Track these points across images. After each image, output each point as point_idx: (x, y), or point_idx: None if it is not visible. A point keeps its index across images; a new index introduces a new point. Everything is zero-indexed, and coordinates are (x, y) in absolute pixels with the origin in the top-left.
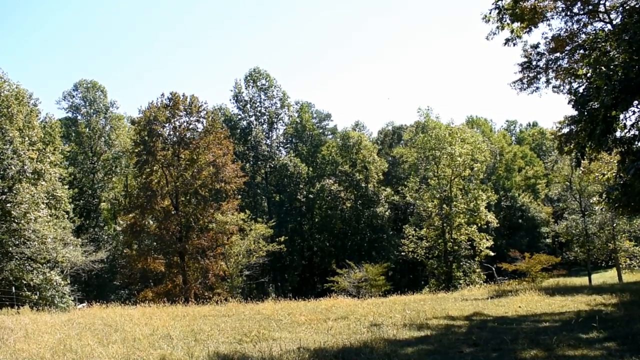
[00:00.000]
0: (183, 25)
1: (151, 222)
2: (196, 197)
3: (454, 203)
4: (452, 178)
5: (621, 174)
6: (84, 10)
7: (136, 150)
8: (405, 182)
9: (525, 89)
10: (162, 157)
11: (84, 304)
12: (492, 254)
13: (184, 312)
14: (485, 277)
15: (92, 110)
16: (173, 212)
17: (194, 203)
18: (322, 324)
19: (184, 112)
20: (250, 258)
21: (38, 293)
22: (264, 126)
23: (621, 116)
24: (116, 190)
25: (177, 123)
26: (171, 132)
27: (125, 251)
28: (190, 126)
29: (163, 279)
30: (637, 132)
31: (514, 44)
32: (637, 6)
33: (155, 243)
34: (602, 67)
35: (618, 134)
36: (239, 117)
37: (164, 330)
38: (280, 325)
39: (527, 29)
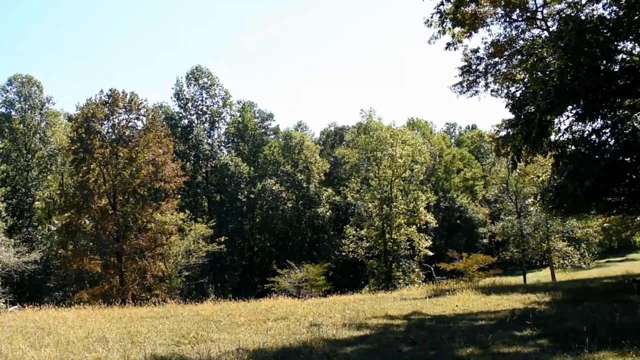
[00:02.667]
0: (125, 23)
1: (87, 222)
2: (135, 196)
3: (394, 204)
4: (393, 179)
5: (555, 177)
6: (21, 4)
7: (73, 148)
8: (347, 183)
9: (465, 92)
10: (100, 155)
11: (16, 307)
12: (431, 253)
13: (120, 314)
14: (424, 276)
15: (27, 106)
16: (110, 212)
17: (133, 202)
18: (262, 324)
19: (124, 110)
20: (189, 258)
21: None
22: (206, 125)
23: (556, 120)
24: (51, 189)
25: (116, 120)
26: (110, 130)
27: (60, 252)
28: (130, 124)
29: (99, 280)
30: (570, 136)
31: (455, 48)
32: (572, 14)
33: (91, 243)
34: (539, 73)
35: (553, 137)
36: (180, 115)
37: (99, 333)
38: (219, 326)
39: (468, 34)
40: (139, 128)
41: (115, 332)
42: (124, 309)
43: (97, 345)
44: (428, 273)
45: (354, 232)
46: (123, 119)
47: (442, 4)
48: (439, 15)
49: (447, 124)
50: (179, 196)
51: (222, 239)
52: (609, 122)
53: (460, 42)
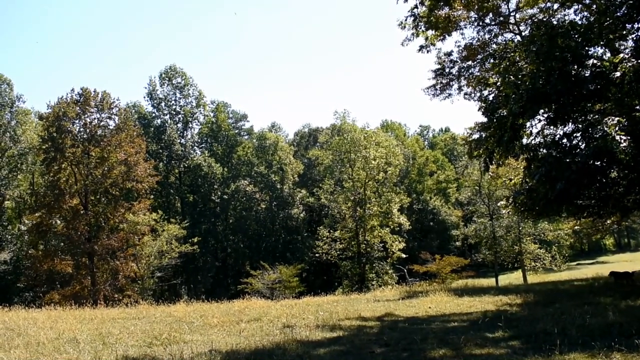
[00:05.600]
0: (97, 20)
1: (58, 222)
2: (106, 196)
3: (368, 205)
4: (366, 181)
5: (527, 180)
6: None
7: (44, 147)
8: (321, 184)
9: (438, 95)
10: (71, 155)
11: None
12: (404, 255)
13: (92, 315)
14: (397, 278)
15: None
16: (82, 212)
17: (104, 202)
18: (235, 326)
19: (95, 109)
20: (162, 259)
21: None
22: (179, 125)
23: (527, 124)
24: (21, 188)
25: (88, 119)
26: (81, 129)
27: (30, 252)
28: (102, 123)
29: (70, 280)
30: (542, 140)
31: (428, 51)
32: (544, 19)
33: (62, 243)
34: (511, 77)
35: (524, 141)
36: (153, 115)
37: (70, 334)
38: (191, 327)
39: (441, 37)
40: (111, 127)
41: (86, 333)
42: (95, 310)
43: (68, 347)
44: (401, 275)
45: (328, 233)
46: (95, 118)
47: (416, 7)
48: (412, 18)
49: (420, 126)
50: (152, 196)
51: (195, 239)
52: (580, 126)
53: (434, 45)
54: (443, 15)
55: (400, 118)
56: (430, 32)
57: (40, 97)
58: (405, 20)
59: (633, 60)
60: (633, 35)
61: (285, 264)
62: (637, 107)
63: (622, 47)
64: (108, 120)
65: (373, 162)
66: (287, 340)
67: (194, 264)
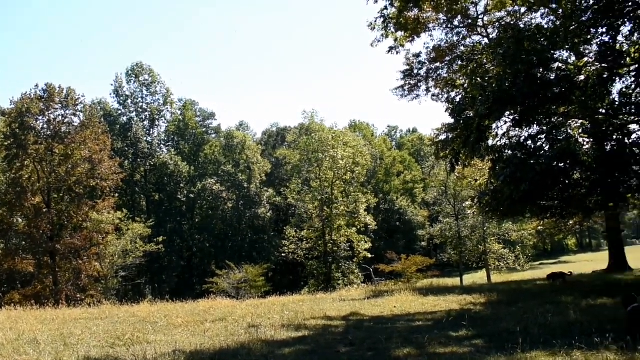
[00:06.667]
0: (62, 16)
1: (20, 220)
2: (70, 194)
3: (335, 205)
4: (334, 181)
5: (492, 180)
6: None
7: (5, 144)
8: (288, 184)
9: (406, 96)
10: (34, 152)
11: None
12: (370, 255)
13: (53, 316)
14: (363, 278)
15: None
16: (44, 210)
17: (68, 200)
18: (199, 326)
19: (60, 105)
20: (126, 259)
21: None
22: (145, 123)
23: (494, 125)
24: None
25: (52, 116)
26: (45, 126)
27: None
28: (66, 120)
29: (32, 280)
30: (507, 141)
31: (397, 52)
32: (511, 22)
33: (24, 242)
34: (478, 79)
35: (490, 142)
36: (119, 112)
37: (30, 335)
38: (155, 327)
39: (411, 39)
40: (75, 124)
41: (47, 334)
42: (57, 311)
43: (28, 348)
44: (367, 274)
45: (294, 233)
46: (59, 115)
47: (386, 8)
48: (382, 19)
49: (388, 127)
50: (116, 195)
51: (161, 239)
52: (545, 128)
53: (403, 46)
54: (412, 16)
55: (369, 118)
56: (399, 34)
57: (2, 93)
58: (375, 21)
59: (597, 64)
60: (597, 40)
61: (251, 264)
62: (600, 110)
63: (587, 51)
64: (73, 116)
65: (341, 162)
66: (252, 340)
67: (159, 264)
